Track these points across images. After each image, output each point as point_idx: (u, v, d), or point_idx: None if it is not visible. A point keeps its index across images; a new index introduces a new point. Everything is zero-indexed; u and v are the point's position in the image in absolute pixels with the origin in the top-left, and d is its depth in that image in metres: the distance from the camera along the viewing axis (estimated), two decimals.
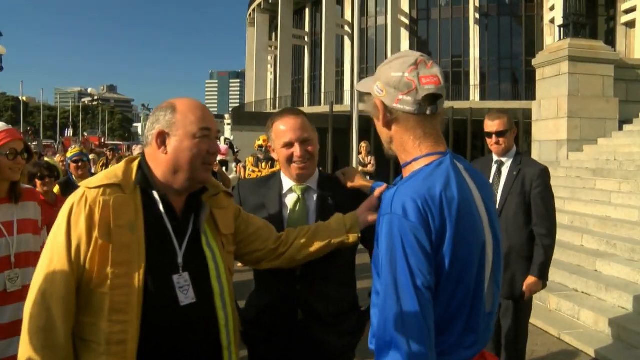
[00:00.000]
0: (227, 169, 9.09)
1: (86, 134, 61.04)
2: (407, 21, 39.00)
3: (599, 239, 7.30)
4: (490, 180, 3.90)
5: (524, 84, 35.03)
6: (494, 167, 3.98)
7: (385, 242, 1.42)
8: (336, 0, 42.22)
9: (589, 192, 9.25)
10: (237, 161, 11.84)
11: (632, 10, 22.54)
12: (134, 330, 1.66)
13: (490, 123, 3.90)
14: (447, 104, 1.66)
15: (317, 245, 2.10)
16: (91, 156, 11.07)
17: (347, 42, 41.79)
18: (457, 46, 38.07)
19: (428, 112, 1.52)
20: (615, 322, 5.38)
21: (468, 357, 1.49)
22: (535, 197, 3.80)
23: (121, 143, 51.79)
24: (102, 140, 48.97)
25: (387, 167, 17.69)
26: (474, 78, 37.27)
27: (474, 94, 36.55)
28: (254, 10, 52.38)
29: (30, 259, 2.80)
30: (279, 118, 2.35)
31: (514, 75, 37.79)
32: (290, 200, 2.37)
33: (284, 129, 2.29)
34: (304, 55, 47.55)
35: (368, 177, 12.02)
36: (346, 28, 41.84)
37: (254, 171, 8.30)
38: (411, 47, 38.14)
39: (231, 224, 2.02)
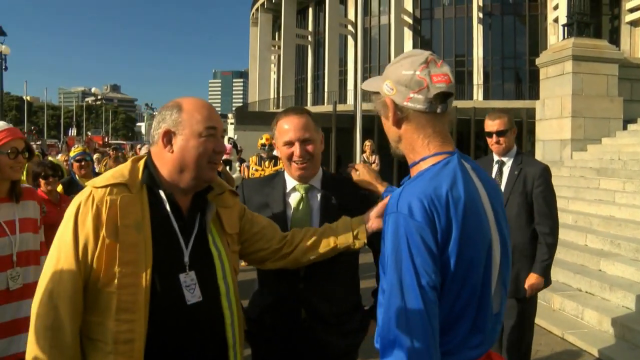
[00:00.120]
0: (230, 168, 9.09)
1: (90, 134, 61.07)
2: (410, 20, 38.94)
3: (603, 239, 7.27)
4: None
5: (527, 84, 34.95)
6: (495, 167, 3.98)
7: (390, 242, 1.42)
8: (339, 0, 42.18)
9: (593, 191, 9.23)
10: (242, 160, 11.82)
11: (636, 9, 22.43)
12: (141, 329, 1.66)
13: (490, 123, 3.90)
14: None
15: (322, 249, 2.09)
16: (95, 156, 11.09)
17: (350, 41, 41.73)
18: (461, 46, 38.01)
19: (438, 111, 1.53)
20: (619, 322, 5.36)
21: (474, 357, 1.48)
22: (537, 196, 3.81)
23: (124, 142, 51.91)
24: (106, 140, 49.04)
25: (391, 167, 17.68)
26: (478, 77, 37.19)
27: (478, 94, 36.47)
28: (257, 9, 52.39)
29: (30, 258, 2.81)
30: (283, 116, 2.35)
31: (517, 74, 37.70)
32: (293, 199, 2.37)
33: (286, 127, 2.30)
34: (307, 54, 47.54)
35: None
36: (349, 27, 41.79)
37: (257, 170, 8.29)
38: (414, 47, 38.09)
39: (236, 224, 2.02)
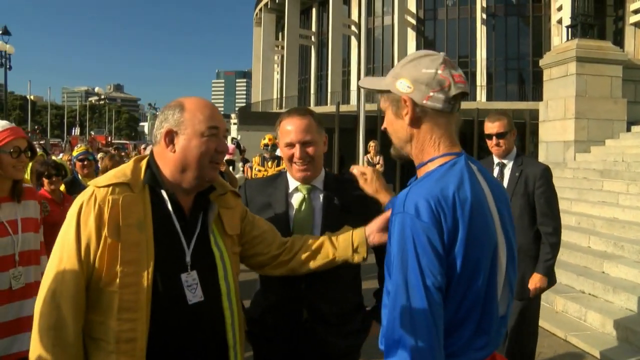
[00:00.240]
0: (233, 169, 9.10)
1: (93, 133, 61.26)
2: (413, 21, 38.92)
3: (606, 241, 7.25)
4: None
5: (531, 85, 34.91)
6: (496, 169, 3.99)
7: (396, 242, 1.41)
8: (343, 0, 42.17)
9: (596, 193, 9.20)
10: (245, 160, 11.82)
11: None
12: (143, 328, 1.66)
13: (490, 125, 3.90)
14: None
15: (320, 261, 2.07)
16: (99, 155, 11.09)
17: (353, 42, 41.76)
18: (464, 46, 37.96)
19: (454, 111, 1.54)
20: (622, 324, 5.34)
21: (479, 359, 1.48)
22: (539, 197, 3.82)
23: (127, 142, 51.93)
24: (109, 140, 49.08)
25: (394, 168, 17.66)
26: (481, 78, 37.15)
27: (481, 95, 36.44)
28: (260, 10, 52.42)
29: (31, 257, 2.82)
30: (286, 117, 2.35)
31: (521, 75, 37.65)
32: (296, 200, 2.37)
33: (288, 129, 2.30)
34: (311, 55, 47.55)
35: None
36: (353, 28, 41.81)
37: (260, 170, 8.30)
38: (418, 48, 38.06)
39: (237, 225, 2.02)
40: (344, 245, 2.05)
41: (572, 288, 6.59)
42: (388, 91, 1.59)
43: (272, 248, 2.09)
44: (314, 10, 46.84)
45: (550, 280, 3.86)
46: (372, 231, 2.03)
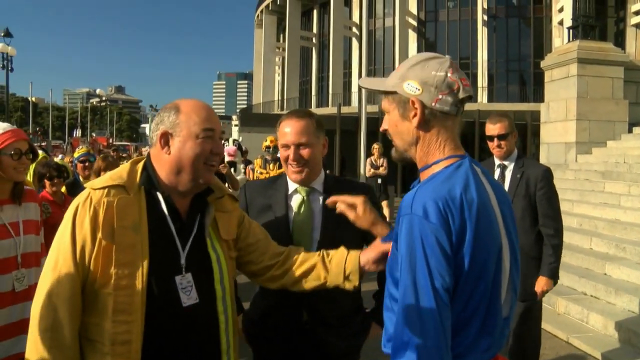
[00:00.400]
0: (235, 170, 9.09)
1: (94, 135, 61.35)
2: (414, 23, 38.92)
3: (608, 242, 7.24)
4: None
5: (532, 86, 34.88)
6: (497, 171, 3.99)
7: (404, 243, 1.41)
8: (344, 2, 42.21)
9: (598, 194, 9.19)
10: (248, 162, 11.81)
11: None
12: (138, 330, 1.66)
13: (491, 126, 3.90)
14: None
15: (311, 283, 2.03)
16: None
17: (354, 43, 41.78)
18: (465, 48, 37.96)
19: (460, 113, 1.55)
20: (624, 326, 5.33)
21: None
22: (540, 198, 3.82)
23: (129, 144, 52.01)
24: (110, 141, 49.18)
25: (395, 170, 17.65)
26: (482, 80, 37.14)
27: (482, 96, 36.41)
28: (261, 11, 52.47)
29: (33, 259, 2.82)
30: (285, 118, 2.37)
31: (522, 77, 37.63)
32: (295, 202, 2.38)
33: (285, 130, 2.33)
34: (312, 56, 47.57)
35: (380, 180, 11.87)
36: (354, 30, 41.83)
37: (261, 173, 8.29)
38: (419, 49, 38.07)
39: (233, 230, 2.01)
40: (336, 270, 2.00)
41: (574, 290, 6.58)
42: (393, 92, 1.59)
43: (264, 258, 2.07)
44: (315, 11, 46.88)
45: (554, 281, 3.87)
46: (367, 261, 1.97)
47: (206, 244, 1.87)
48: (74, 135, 61.09)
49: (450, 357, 1.39)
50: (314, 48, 47.27)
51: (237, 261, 2.07)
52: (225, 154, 10.06)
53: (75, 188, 5.39)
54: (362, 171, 13.05)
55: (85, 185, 1.85)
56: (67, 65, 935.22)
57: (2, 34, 26.59)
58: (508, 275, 1.52)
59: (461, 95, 1.53)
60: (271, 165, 8.18)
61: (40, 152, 4.55)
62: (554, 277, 3.82)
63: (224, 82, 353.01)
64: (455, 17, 38.54)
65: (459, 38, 38.15)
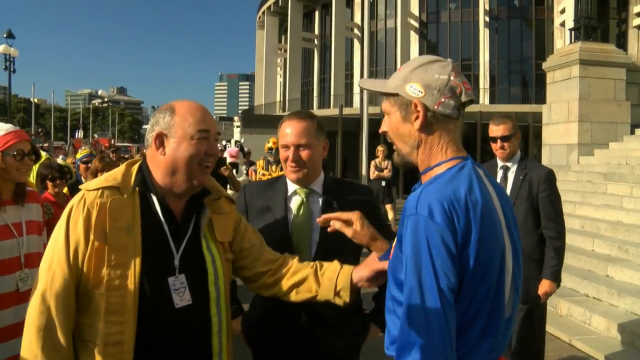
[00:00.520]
0: (237, 172, 9.10)
1: (96, 136, 61.40)
2: (416, 24, 38.93)
3: (611, 244, 7.23)
4: None
5: (534, 88, 34.89)
6: (500, 173, 3.98)
7: (410, 244, 1.41)
8: (346, 3, 42.25)
9: (600, 196, 9.18)
10: (251, 163, 11.81)
11: None
12: (130, 331, 1.67)
13: (494, 128, 3.89)
14: None
15: (301, 295, 2.01)
16: None
17: (356, 45, 41.80)
18: (467, 49, 37.97)
19: (461, 117, 1.56)
20: (627, 329, 5.32)
21: None
22: (543, 200, 3.81)
23: (131, 145, 52.08)
24: (112, 142, 49.23)
25: (398, 172, 17.63)
26: (484, 81, 37.13)
27: (484, 98, 36.41)
28: (263, 13, 52.55)
29: (36, 260, 2.82)
30: (286, 119, 2.39)
31: (524, 78, 37.63)
32: (294, 204, 2.39)
33: (285, 131, 2.34)
34: (314, 58, 47.62)
35: (384, 183, 11.84)
36: (356, 31, 41.86)
37: (264, 174, 8.30)
38: (421, 50, 38.08)
39: (229, 232, 2.00)
40: (327, 285, 1.96)
41: (576, 292, 6.57)
42: (395, 94, 1.59)
43: (257, 264, 2.06)
44: (317, 13, 46.92)
45: (557, 284, 3.85)
46: (360, 279, 1.94)
47: (201, 246, 1.87)
48: (76, 136, 61.20)
49: (455, 357, 1.39)
50: (315, 49, 47.31)
51: (233, 265, 2.06)
52: (227, 155, 10.09)
53: (77, 189, 5.39)
54: (364, 173, 13.05)
55: (80, 187, 1.85)
56: (69, 66, 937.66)
57: (5, 35, 26.66)
58: (511, 277, 1.52)
59: (464, 98, 1.53)
60: (274, 167, 8.18)
61: (43, 153, 4.56)
62: (556, 279, 3.81)
63: (226, 84, 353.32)
64: (457, 19, 38.55)
65: (460, 39, 38.16)
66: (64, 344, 1.65)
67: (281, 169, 8.01)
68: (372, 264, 1.93)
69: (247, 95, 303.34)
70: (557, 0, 33.13)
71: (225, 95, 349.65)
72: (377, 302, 2.47)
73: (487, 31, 37.07)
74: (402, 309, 1.41)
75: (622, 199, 8.60)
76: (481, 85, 36.85)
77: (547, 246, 3.81)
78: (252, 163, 11.66)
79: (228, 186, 7.73)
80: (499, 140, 3.88)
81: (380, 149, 11.54)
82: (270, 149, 8.25)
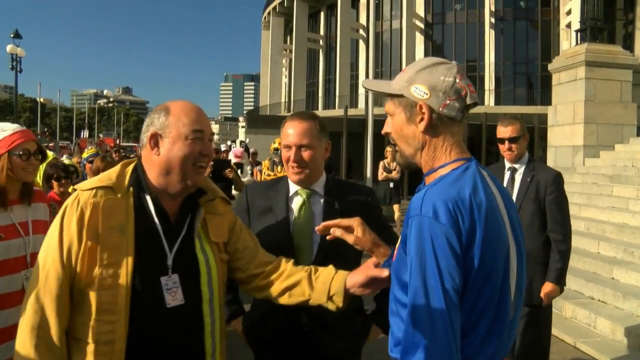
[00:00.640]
0: (242, 172, 9.11)
1: (101, 136, 61.60)
2: (422, 25, 38.92)
3: (616, 247, 7.21)
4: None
5: (539, 89, 34.82)
6: (507, 174, 3.96)
7: (414, 244, 1.41)
8: (351, 4, 42.27)
9: (606, 198, 9.15)
10: (257, 163, 11.83)
11: None
12: (122, 330, 1.68)
13: (502, 129, 3.88)
14: None
15: (294, 298, 2.00)
16: None
17: (361, 45, 41.81)
18: (472, 50, 37.92)
19: (464, 119, 1.55)
20: (633, 332, 5.30)
21: None
22: (550, 203, 3.79)
23: (135, 145, 52.13)
24: (117, 142, 49.37)
25: (403, 173, 17.60)
26: (489, 82, 37.08)
27: (489, 99, 36.36)
28: (269, 13, 52.61)
29: None
30: (289, 120, 2.40)
31: (529, 80, 37.57)
32: (296, 204, 2.40)
33: (288, 131, 2.35)
34: (319, 58, 47.65)
35: (392, 184, 11.80)
36: (361, 32, 41.87)
37: (269, 175, 8.31)
38: (426, 51, 38.08)
39: (224, 233, 2.00)
40: (321, 289, 1.93)
41: (581, 294, 6.55)
42: (400, 95, 1.58)
43: (251, 266, 2.05)
44: (322, 14, 46.97)
45: (560, 288, 3.83)
46: (354, 285, 1.89)
47: (194, 246, 1.87)
48: (82, 136, 61.33)
49: (460, 358, 1.38)
50: (321, 50, 47.34)
51: (228, 266, 2.06)
52: (232, 155, 10.11)
53: None
54: (368, 174, 13.03)
55: (75, 187, 1.86)
56: (74, 66, 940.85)
57: (12, 36, 26.78)
58: (515, 278, 1.52)
59: (469, 101, 1.53)
60: (279, 168, 8.18)
61: (50, 153, 4.57)
62: (559, 282, 3.78)
63: (231, 84, 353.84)
64: (462, 20, 38.51)
65: (466, 40, 38.12)
66: (58, 343, 1.67)
67: None
68: (367, 270, 1.89)
69: (252, 95, 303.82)
70: (563, 1, 33.15)
71: (231, 96, 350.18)
72: (379, 303, 2.47)
73: (492, 32, 37.03)
74: (406, 310, 1.41)
75: (628, 201, 8.56)
76: (486, 87, 36.80)
77: (552, 249, 3.79)
78: (259, 163, 11.68)
79: (232, 187, 7.74)
80: (506, 142, 3.87)
81: (388, 149, 11.49)
82: (276, 149, 8.25)
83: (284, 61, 53.49)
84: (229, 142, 28.40)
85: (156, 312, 1.74)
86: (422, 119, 1.54)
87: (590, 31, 11.72)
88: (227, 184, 7.48)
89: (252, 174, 10.84)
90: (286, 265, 2.05)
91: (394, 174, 11.46)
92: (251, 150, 13.52)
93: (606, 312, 5.91)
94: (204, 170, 1.86)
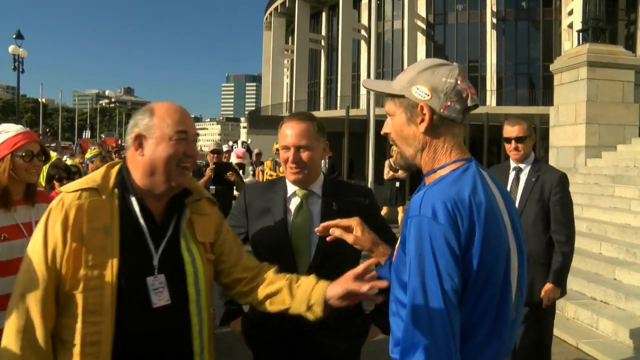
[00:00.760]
0: (244, 172, 9.11)
1: (103, 136, 61.62)
2: (423, 25, 38.89)
3: (618, 247, 7.19)
4: (509, 187, 3.89)
5: (541, 90, 34.78)
6: (512, 174, 3.95)
7: (413, 245, 1.41)
8: (353, 5, 42.26)
9: (608, 199, 9.13)
10: (261, 163, 11.83)
11: None
12: (108, 331, 1.68)
13: (509, 128, 3.87)
14: None
15: (275, 306, 2.00)
16: None
17: (363, 46, 41.79)
18: (474, 51, 37.87)
19: (465, 121, 1.56)
20: (635, 332, 5.29)
21: None
22: (554, 204, 3.77)
23: None
24: (119, 142, 49.41)
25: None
26: (491, 83, 37.04)
27: (491, 99, 36.31)
28: (270, 14, 52.63)
29: None
30: (286, 121, 2.40)
31: (531, 80, 37.51)
32: (293, 205, 2.40)
33: (285, 132, 2.35)
34: (321, 59, 47.65)
35: (398, 184, 11.72)
36: (362, 32, 41.86)
37: (271, 175, 8.32)
38: (428, 52, 38.07)
39: (210, 233, 2.00)
40: (300, 298, 1.93)
41: (583, 295, 6.54)
42: (400, 96, 1.58)
43: (235, 270, 2.06)
44: (323, 14, 46.96)
45: (562, 290, 3.82)
46: (332, 296, 1.87)
47: (180, 246, 1.87)
48: (84, 136, 61.42)
49: (459, 359, 1.39)
50: (322, 50, 47.34)
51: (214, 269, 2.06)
52: (234, 155, 10.10)
53: None
54: (370, 174, 13.02)
55: (59, 189, 1.87)
56: (76, 66, 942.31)
57: (14, 36, 26.81)
58: (516, 279, 1.52)
59: (469, 103, 1.54)
60: (281, 168, 8.19)
61: (53, 153, 4.58)
62: (560, 284, 3.77)
63: (233, 84, 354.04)
64: (464, 20, 38.47)
65: (467, 41, 38.07)
66: (43, 345, 1.67)
67: None
68: (345, 282, 1.86)
69: (254, 96, 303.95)
70: (564, 1, 33.11)
71: (232, 96, 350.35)
72: (377, 303, 2.47)
73: (494, 33, 36.99)
74: (405, 311, 1.41)
75: (630, 202, 8.54)
76: (488, 87, 36.76)
77: (555, 250, 3.77)
78: (262, 163, 11.69)
79: (234, 189, 7.75)
80: (513, 141, 3.86)
81: (395, 148, 11.44)
82: (279, 150, 8.27)
83: (285, 61, 53.49)
84: (230, 143, 28.40)
85: (142, 312, 1.75)
86: (422, 120, 1.54)
87: (592, 31, 11.71)
88: (228, 186, 7.49)
89: (254, 175, 10.83)
90: (268, 272, 2.05)
91: (400, 173, 11.42)
92: (255, 151, 13.49)
93: (608, 312, 5.90)
94: (188, 171, 1.87)
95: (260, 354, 2.46)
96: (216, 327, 2.28)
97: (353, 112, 24.56)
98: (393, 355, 1.48)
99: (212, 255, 2.00)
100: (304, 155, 2.31)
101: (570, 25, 27.16)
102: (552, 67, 12.27)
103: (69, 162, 7.49)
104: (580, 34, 12.53)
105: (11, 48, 26.77)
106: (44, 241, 1.71)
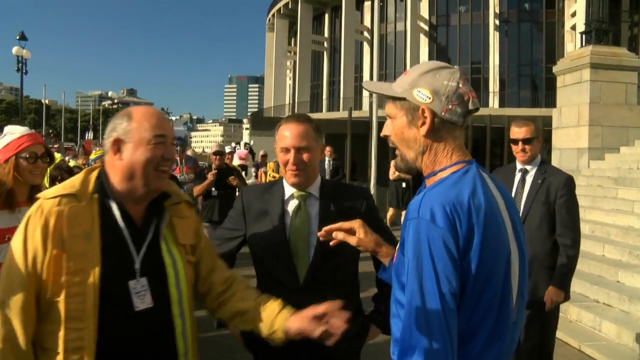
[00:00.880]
0: (246, 174, 9.11)
1: None
2: (426, 27, 38.90)
3: (621, 249, 7.18)
4: (514, 189, 3.86)
5: (544, 91, 34.73)
6: (518, 175, 3.92)
7: (411, 247, 1.41)
8: (355, 6, 42.27)
9: (611, 201, 9.11)
10: (265, 164, 11.83)
11: None
12: (91, 337, 1.68)
13: (517, 130, 3.84)
14: None
15: (243, 325, 2.03)
16: None
17: (366, 47, 41.81)
18: (477, 52, 37.88)
19: (465, 124, 1.56)
20: (639, 335, 5.27)
21: None
22: (560, 207, 3.74)
23: None
24: None
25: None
26: (494, 85, 37.03)
27: (494, 101, 36.30)
28: (273, 15, 52.68)
29: None
30: (284, 122, 2.39)
31: (533, 82, 37.48)
32: (292, 207, 2.39)
33: (285, 134, 2.34)
34: (323, 60, 47.67)
35: (404, 184, 11.69)
36: (365, 34, 41.88)
37: (274, 177, 8.32)
38: (430, 53, 38.08)
39: (190, 235, 2.02)
40: (266, 321, 1.95)
41: (586, 297, 6.53)
42: (402, 98, 1.58)
43: (212, 277, 2.06)
44: (326, 16, 47.00)
45: (565, 294, 3.79)
46: (290, 328, 1.89)
47: (161, 249, 1.88)
48: (86, 137, 61.46)
49: None
50: (325, 52, 47.36)
51: None
52: (237, 157, 10.11)
53: None
54: (373, 176, 13.01)
55: (37, 195, 1.88)
56: (79, 68, 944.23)
57: (18, 37, 26.89)
58: (517, 281, 1.52)
59: (471, 106, 1.53)
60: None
61: (57, 155, 4.59)
62: (564, 288, 3.74)
63: (235, 86, 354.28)
64: (466, 22, 38.48)
65: (470, 42, 38.08)
66: (25, 354, 1.66)
67: None
68: (302, 321, 1.86)
69: (257, 97, 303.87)
70: (568, 3, 33.08)
71: (235, 97, 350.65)
72: (377, 303, 2.47)
73: (497, 34, 36.99)
74: (403, 312, 1.41)
75: (633, 204, 8.52)
76: (491, 89, 36.74)
77: (560, 253, 3.73)
78: (265, 164, 11.70)
79: (237, 192, 7.75)
80: (520, 143, 3.83)
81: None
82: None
83: (288, 63, 53.54)
84: (233, 144, 28.42)
85: (125, 316, 1.75)
86: (424, 123, 1.54)
87: (595, 33, 11.68)
88: (231, 190, 7.50)
89: (256, 176, 10.84)
90: (239, 286, 2.06)
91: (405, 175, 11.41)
92: (261, 152, 13.50)
93: (611, 315, 5.89)
94: (166, 175, 1.87)
95: (259, 355, 2.46)
96: (215, 330, 2.28)
97: (355, 113, 24.56)
98: (393, 356, 1.48)
99: (192, 257, 2.01)
100: (305, 156, 2.31)
101: (574, 27, 27.14)
102: (555, 69, 12.24)
103: (72, 163, 7.51)
104: (584, 35, 12.50)
105: (15, 49, 26.85)
106: (24, 248, 1.70)
